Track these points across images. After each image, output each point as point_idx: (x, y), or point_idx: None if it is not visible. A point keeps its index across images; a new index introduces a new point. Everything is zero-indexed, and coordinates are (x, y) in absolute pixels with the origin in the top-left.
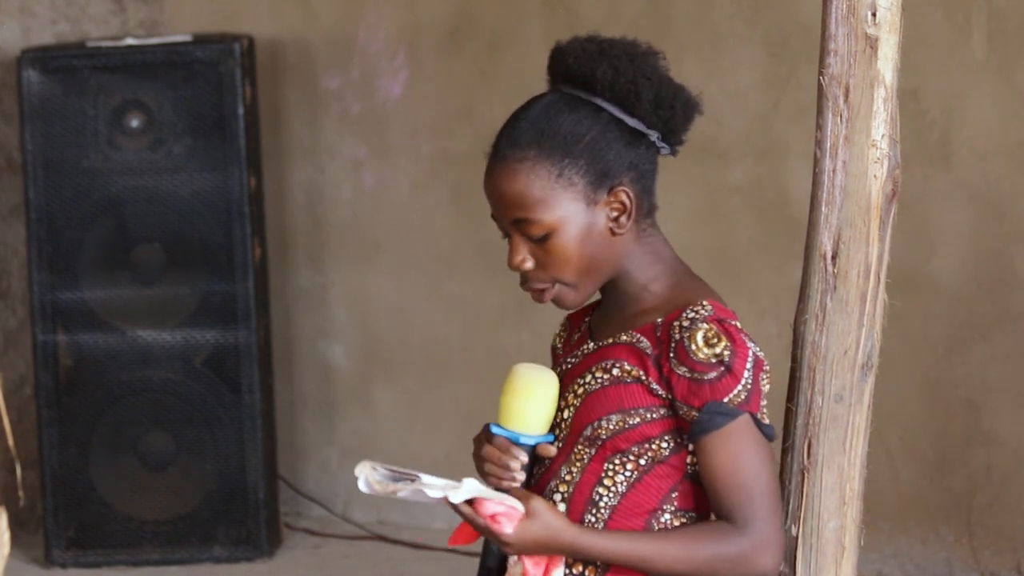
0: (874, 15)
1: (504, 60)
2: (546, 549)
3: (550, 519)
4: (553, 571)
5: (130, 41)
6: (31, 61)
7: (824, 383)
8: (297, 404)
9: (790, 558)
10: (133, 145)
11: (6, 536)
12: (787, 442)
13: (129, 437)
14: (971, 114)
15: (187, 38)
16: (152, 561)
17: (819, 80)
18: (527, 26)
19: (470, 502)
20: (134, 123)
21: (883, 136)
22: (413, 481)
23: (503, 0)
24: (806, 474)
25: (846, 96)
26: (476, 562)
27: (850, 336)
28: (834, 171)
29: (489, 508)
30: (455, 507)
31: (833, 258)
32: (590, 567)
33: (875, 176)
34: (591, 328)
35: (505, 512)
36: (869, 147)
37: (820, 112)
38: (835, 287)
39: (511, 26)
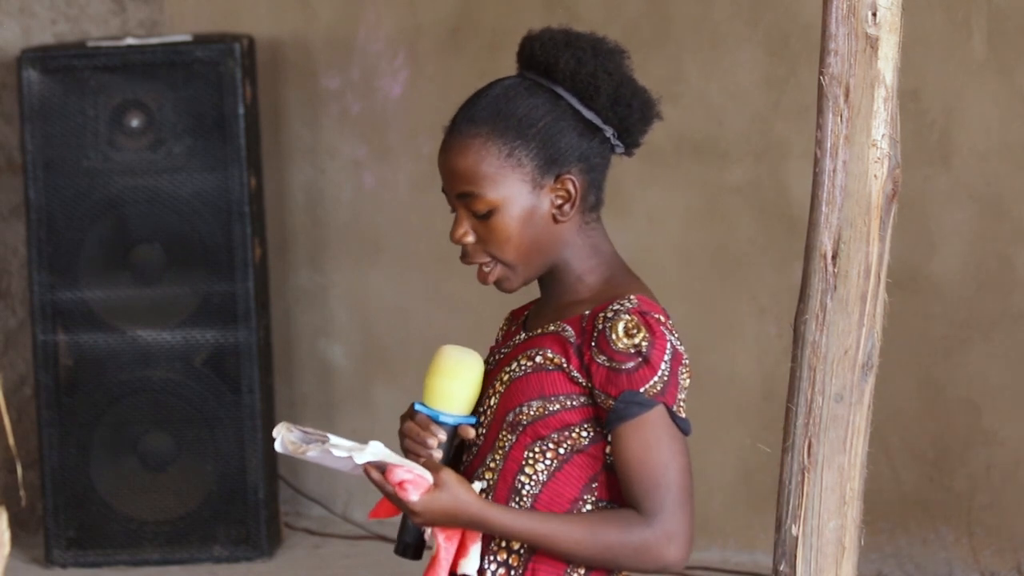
0: (874, 15)
1: (504, 60)
2: (452, 521)
3: (458, 491)
4: (470, 546)
5: (130, 41)
6: (31, 61)
7: (824, 383)
8: (297, 404)
9: (790, 558)
10: (133, 145)
11: (6, 536)
12: (787, 442)
13: (129, 437)
14: (971, 114)
15: (187, 38)
16: (152, 561)
17: (819, 80)
18: (527, 26)
19: (382, 470)
20: (134, 123)
21: (883, 136)
22: (323, 443)
23: (503, 0)
24: (806, 474)
25: (846, 96)
26: None
27: (850, 336)
28: (834, 171)
29: (398, 475)
30: (367, 474)
31: (833, 258)
32: (514, 554)
33: (875, 176)
34: (526, 320)
35: (413, 480)
36: (869, 147)
37: (820, 112)
38: (835, 287)
39: (511, 26)
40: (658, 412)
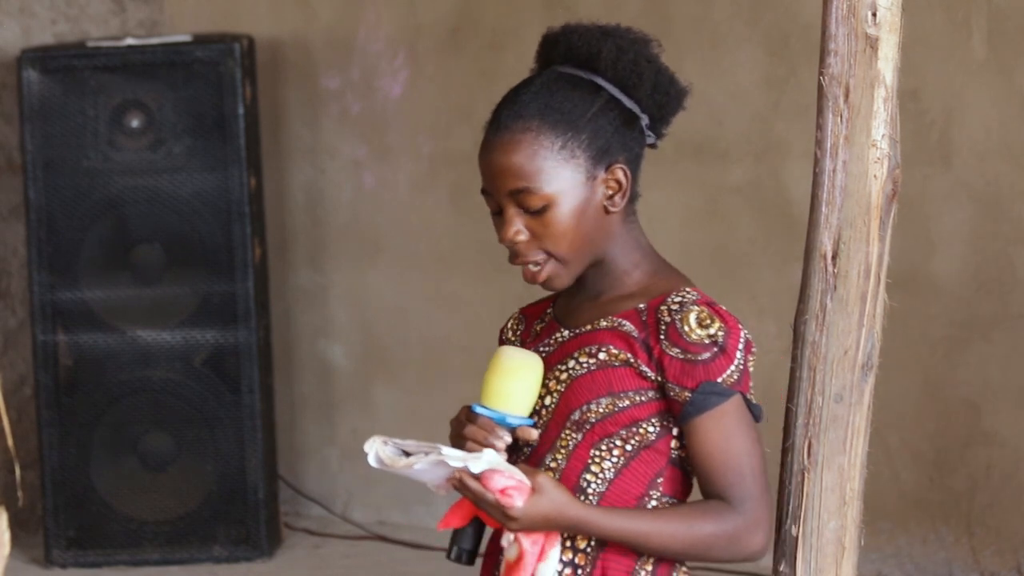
0: (874, 15)
1: (504, 60)
2: (550, 525)
3: (556, 495)
4: (549, 551)
5: (130, 41)
6: (31, 61)
7: (824, 383)
8: (297, 404)
9: (790, 558)
10: (133, 145)
11: (6, 536)
12: (787, 442)
13: (129, 437)
14: (971, 114)
15: (187, 38)
16: (152, 561)
17: (819, 80)
18: (527, 26)
19: (477, 478)
20: (134, 123)
21: (883, 136)
22: (428, 454)
23: (503, 0)
24: (806, 474)
25: (846, 96)
26: (478, 561)
27: (850, 336)
28: (834, 171)
29: (499, 482)
30: (461, 484)
31: (833, 258)
32: (580, 553)
33: (875, 176)
34: (557, 317)
35: (516, 486)
36: (869, 147)
37: (820, 112)
38: (835, 287)
39: (511, 26)
40: (736, 401)
